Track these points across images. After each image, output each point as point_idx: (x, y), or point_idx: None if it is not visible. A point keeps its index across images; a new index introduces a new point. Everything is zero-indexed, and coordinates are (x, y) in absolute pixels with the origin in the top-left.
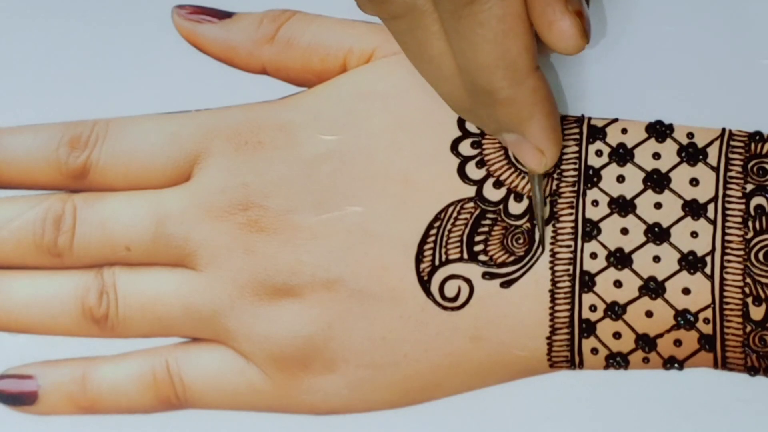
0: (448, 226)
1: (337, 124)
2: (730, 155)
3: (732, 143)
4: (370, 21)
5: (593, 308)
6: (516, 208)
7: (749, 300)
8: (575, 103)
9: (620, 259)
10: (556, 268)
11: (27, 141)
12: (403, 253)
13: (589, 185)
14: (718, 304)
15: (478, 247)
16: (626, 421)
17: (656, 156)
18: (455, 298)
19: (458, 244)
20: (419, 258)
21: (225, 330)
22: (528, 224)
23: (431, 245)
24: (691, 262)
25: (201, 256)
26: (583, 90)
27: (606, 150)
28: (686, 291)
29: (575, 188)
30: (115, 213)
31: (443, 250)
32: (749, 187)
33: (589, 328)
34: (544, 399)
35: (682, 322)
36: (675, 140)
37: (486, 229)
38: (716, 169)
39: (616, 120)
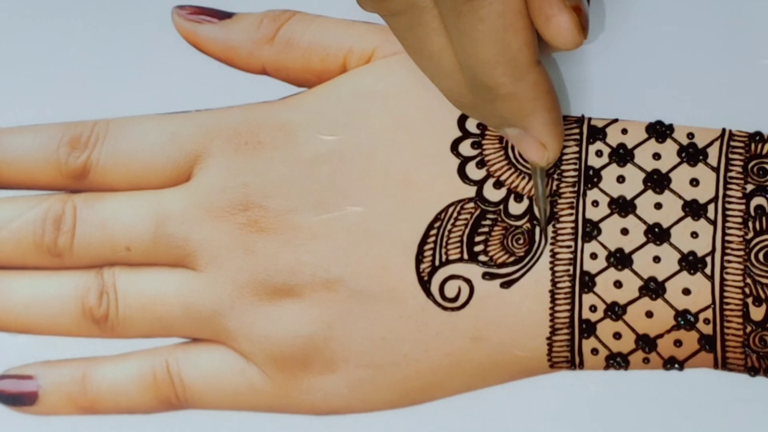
0: (449, 227)
1: (337, 124)
2: (731, 155)
3: (732, 143)
4: (370, 21)
5: (593, 308)
6: (516, 208)
7: (749, 300)
8: (575, 104)
9: (620, 259)
10: (556, 268)
11: (27, 141)
12: (403, 253)
13: (589, 185)
14: (718, 304)
15: (478, 248)
16: (626, 421)
17: (656, 156)
18: (455, 299)
19: (458, 244)
20: (419, 258)
21: (225, 330)
22: (528, 224)
23: (431, 245)
24: (691, 263)
25: (201, 256)
26: (584, 90)
27: (606, 150)
28: (686, 291)
29: (575, 188)
30: (115, 213)
31: (443, 250)
32: (749, 187)
33: (589, 329)
34: (544, 399)
35: (682, 322)
36: (675, 140)
37: (486, 229)
38: (716, 170)
39: (616, 120)
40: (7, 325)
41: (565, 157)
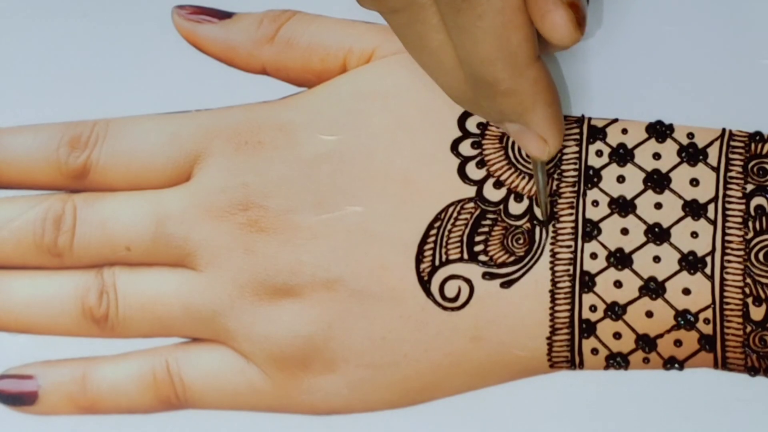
0: (449, 227)
1: (337, 124)
2: (731, 155)
3: (732, 143)
4: (370, 21)
5: (593, 308)
6: (516, 208)
7: (749, 300)
8: (576, 103)
9: (620, 259)
10: (556, 268)
11: (27, 141)
12: (403, 253)
13: (589, 185)
14: (718, 304)
15: (478, 248)
16: (626, 421)
17: (656, 156)
18: (455, 298)
19: (458, 244)
20: (419, 258)
21: (225, 330)
22: (528, 224)
23: (431, 245)
24: (691, 263)
25: (201, 256)
26: (584, 90)
27: (606, 150)
28: (686, 291)
29: (575, 188)
30: (115, 213)
31: (443, 250)
32: (749, 187)
33: (589, 329)
34: (544, 399)
35: (682, 322)
36: (675, 140)
37: (486, 229)
38: (716, 170)
39: (616, 120)
40: (7, 325)
41: (565, 157)
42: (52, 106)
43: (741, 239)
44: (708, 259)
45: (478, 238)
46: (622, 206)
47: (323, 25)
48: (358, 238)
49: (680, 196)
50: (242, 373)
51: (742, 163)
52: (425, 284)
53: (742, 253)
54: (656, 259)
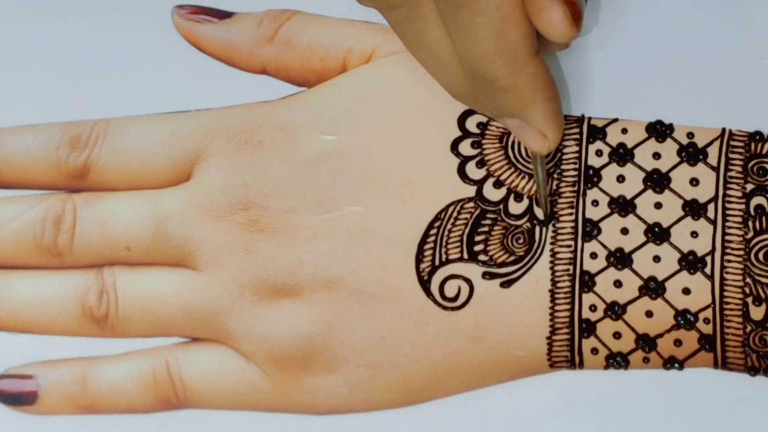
0: (448, 226)
1: (337, 123)
2: (730, 155)
3: (732, 143)
4: (370, 21)
5: (593, 308)
6: (516, 208)
7: (749, 300)
8: (575, 103)
9: (620, 259)
10: (556, 268)
11: (27, 141)
12: (403, 253)
13: (589, 185)
14: (718, 304)
15: (478, 247)
16: (626, 421)
17: (656, 156)
18: (455, 298)
19: (458, 244)
20: (419, 258)
21: (225, 330)
22: (528, 224)
23: (431, 245)
24: (691, 262)
25: (201, 256)
26: (583, 90)
27: (606, 150)
28: (686, 291)
29: (575, 188)
30: (115, 213)
31: (443, 250)
32: (749, 186)
33: (589, 328)
34: (544, 399)
35: (682, 322)
36: (675, 140)
37: (486, 229)
38: (716, 169)
39: (616, 120)
40: (7, 325)
41: (565, 157)
42: (52, 106)
43: (741, 239)
44: (708, 259)
45: (478, 238)
46: (622, 206)
47: (323, 25)
48: (358, 238)
49: (680, 196)
50: (242, 373)
51: (742, 162)
52: (425, 284)
53: (742, 252)
54: (656, 258)
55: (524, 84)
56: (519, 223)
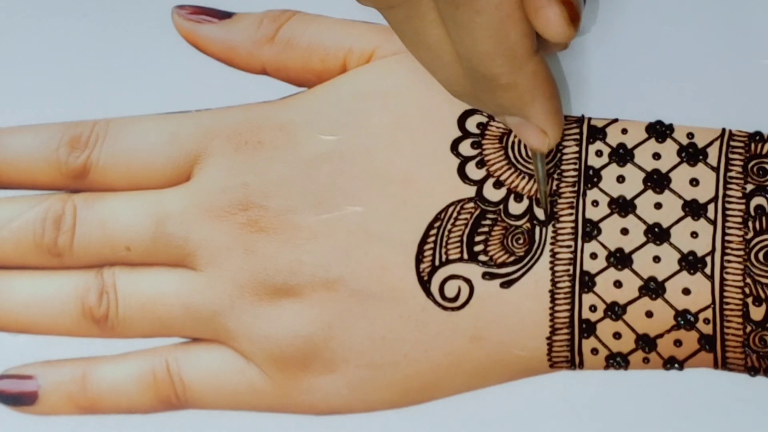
0: (448, 226)
1: (337, 124)
2: (730, 155)
3: (732, 143)
4: (370, 21)
5: (593, 308)
6: (516, 208)
7: (749, 300)
8: (575, 103)
9: (620, 259)
10: (556, 268)
11: (27, 141)
12: (403, 253)
13: (589, 185)
14: (718, 304)
15: (478, 247)
16: (626, 421)
17: (656, 156)
18: (455, 298)
19: (458, 244)
20: (419, 258)
21: (225, 330)
22: (528, 224)
23: (431, 245)
24: (691, 263)
25: (201, 256)
26: (583, 90)
27: (606, 150)
28: (686, 291)
29: (575, 188)
30: (115, 213)
31: (443, 250)
32: (749, 187)
33: (589, 329)
34: (544, 399)
35: (682, 322)
36: (675, 140)
37: (486, 229)
38: (716, 169)
39: (616, 120)
40: (7, 325)
41: (565, 157)
42: (52, 106)
43: (741, 239)
44: (708, 259)
45: (478, 238)
46: (622, 206)
47: (323, 25)
48: (358, 238)
49: (680, 196)
50: (242, 373)
51: (742, 163)
52: (425, 284)
53: (742, 253)
54: (656, 259)
55: (524, 82)
56: (519, 223)
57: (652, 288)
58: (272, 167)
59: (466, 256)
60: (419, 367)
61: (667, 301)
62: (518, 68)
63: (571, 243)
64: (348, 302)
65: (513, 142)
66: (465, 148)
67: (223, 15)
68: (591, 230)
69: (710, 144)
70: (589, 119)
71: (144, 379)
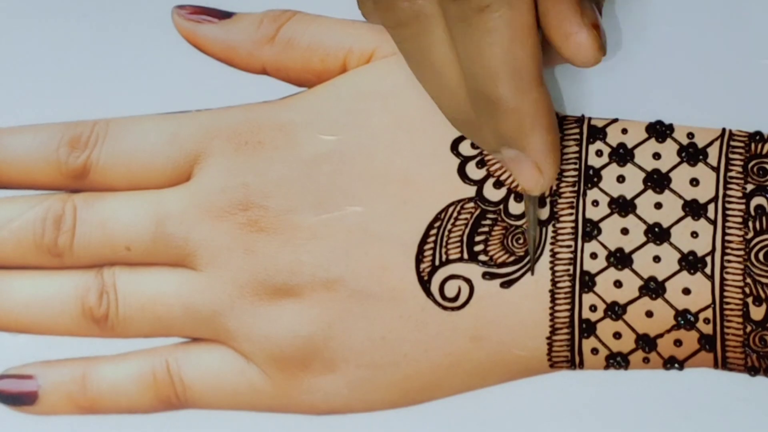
0: (448, 226)
1: (337, 124)
2: (731, 155)
3: (732, 143)
4: None
5: (593, 308)
6: (516, 208)
7: (749, 300)
8: (575, 103)
9: (620, 259)
10: (556, 268)
11: (27, 141)
12: (403, 253)
13: (589, 185)
14: (718, 304)
15: (478, 247)
16: (626, 421)
17: (656, 156)
18: (455, 298)
19: (458, 244)
20: (419, 258)
21: (225, 330)
22: (528, 224)
23: (431, 245)
24: (691, 262)
25: (201, 256)
26: (583, 90)
27: (606, 150)
28: (686, 291)
29: (575, 188)
30: (115, 213)
31: (443, 250)
32: (749, 187)
33: (589, 328)
34: (544, 399)
35: (682, 322)
36: (675, 140)
37: (486, 229)
38: (716, 169)
39: (616, 120)
40: (7, 325)
41: (565, 157)
42: (52, 106)
43: (741, 239)
44: (708, 259)
45: (478, 238)
46: (622, 206)
47: (323, 25)
48: (358, 238)
49: (680, 196)
50: (242, 373)
51: (742, 162)
52: (425, 284)
53: (742, 252)
54: (656, 258)
55: (526, 108)
56: (519, 223)
57: (652, 288)
58: (272, 167)
59: (466, 256)
60: (419, 367)
61: (667, 301)
62: (523, 93)
63: (571, 243)
64: (348, 302)
65: None
66: (465, 147)
67: (223, 15)
68: (591, 230)
69: (710, 144)
70: (589, 119)
71: (144, 379)
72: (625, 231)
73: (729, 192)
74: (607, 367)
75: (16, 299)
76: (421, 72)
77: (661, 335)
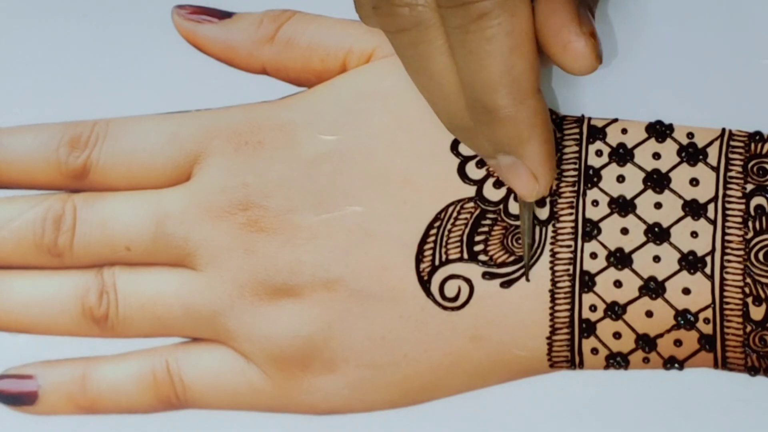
0: (448, 226)
1: (337, 124)
2: (730, 155)
3: (732, 143)
4: None
5: (593, 308)
6: (516, 208)
7: (749, 300)
8: (575, 103)
9: (620, 259)
10: (556, 268)
11: (27, 141)
12: (403, 253)
13: (589, 185)
14: (718, 304)
15: (478, 247)
16: (626, 421)
17: (656, 156)
18: (455, 298)
19: (458, 244)
20: (419, 258)
21: (225, 330)
22: None
23: (431, 245)
24: (691, 262)
25: (201, 256)
26: (583, 90)
27: (606, 150)
28: (686, 291)
29: (575, 188)
30: (115, 213)
31: (443, 250)
32: (749, 187)
33: (589, 328)
34: (544, 399)
35: (682, 322)
36: (675, 140)
37: (486, 229)
38: (716, 169)
39: (616, 120)
40: (7, 325)
41: (565, 157)
42: (52, 106)
43: (741, 239)
44: (708, 259)
45: (478, 238)
46: (622, 206)
47: (323, 25)
48: (358, 238)
49: (680, 196)
50: (242, 373)
51: (741, 162)
52: (425, 284)
53: (742, 252)
54: (656, 258)
55: (524, 117)
56: (519, 222)
57: (652, 288)
58: (272, 167)
59: (466, 255)
60: (419, 367)
61: (667, 301)
62: (520, 102)
63: (571, 243)
64: (348, 302)
65: None
66: (465, 147)
67: (223, 15)
68: (591, 230)
69: (710, 144)
70: (589, 119)
71: (144, 379)
72: (625, 231)
73: (729, 192)
74: (607, 367)
75: (16, 299)
76: (418, 78)
77: (661, 335)
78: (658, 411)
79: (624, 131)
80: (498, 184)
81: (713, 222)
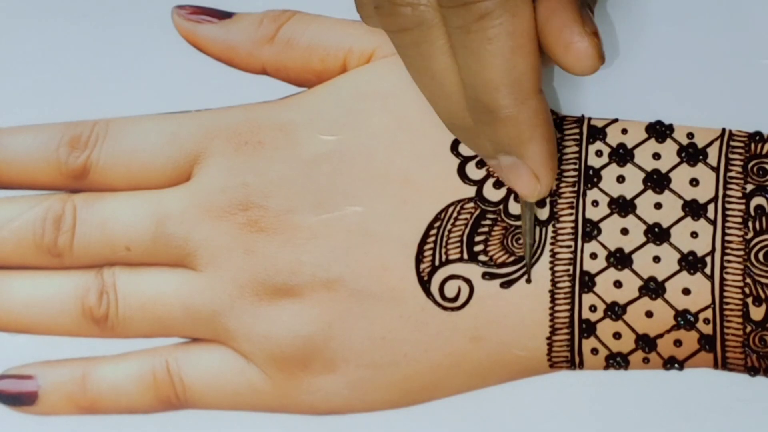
0: (448, 226)
1: (337, 124)
2: (730, 155)
3: (732, 143)
4: None
5: (593, 308)
6: (516, 208)
7: (749, 300)
8: (575, 103)
9: (620, 259)
10: (556, 268)
11: (27, 141)
12: (403, 253)
13: (589, 185)
14: (718, 304)
15: (478, 247)
16: (626, 421)
17: (656, 156)
18: (455, 298)
19: (458, 244)
20: (419, 258)
21: (225, 330)
22: None
23: (431, 245)
24: (691, 263)
25: (201, 256)
26: (583, 90)
27: (606, 150)
28: (686, 291)
29: (575, 188)
30: (115, 213)
31: (443, 250)
32: (749, 187)
33: (589, 329)
34: (544, 399)
35: (682, 322)
36: (675, 140)
37: (486, 229)
38: (716, 170)
39: (616, 120)
40: (7, 325)
41: (565, 157)
42: (52, 106)
43: (741, 239)
44: (708, 259)
45: (478, 238)
46: (622, 206)
47: (323, 25)
48: (358, 238)
49: (680, 196)
50: (242, 373)
51: (741, 163)
52: (425, 284)
53: (742, 253)
54: (656, 259)
55: (525, 117)
56: (519, 223)
57: (652, 288)
58: (272, 167)
59: (466, 256)
60: (419, 367)
61: (667, 301)
62: (522, 102)
63: (571, 243)
64: (348, 302)
65: None
66: (465, 148)
67: (223, 15)
68: (591, 230)
69: (710, 144)
70: (589, 119)
71: (144, 379)
72: (624, 231)
73: (729, 192)
74: (607, 367)
75: (16, 299)
76: (420, 77)
77: (660, 335)
78: (658, 411)
79: (624, 131)
80: (498, 184)
81: (713, 222)
